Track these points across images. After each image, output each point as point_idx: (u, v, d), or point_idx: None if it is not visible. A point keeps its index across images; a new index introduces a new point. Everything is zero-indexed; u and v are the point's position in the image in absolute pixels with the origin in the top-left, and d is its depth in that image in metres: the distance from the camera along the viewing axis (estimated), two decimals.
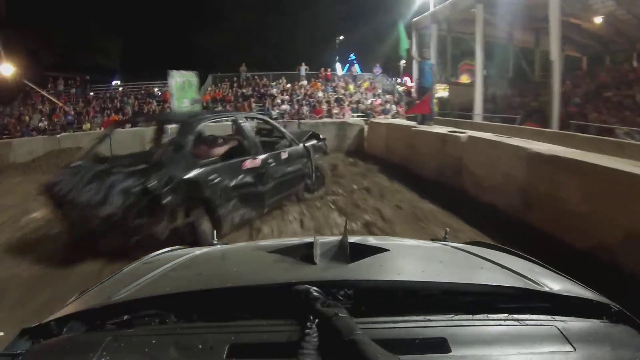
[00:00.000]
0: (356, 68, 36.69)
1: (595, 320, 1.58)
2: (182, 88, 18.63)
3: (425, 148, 13.13)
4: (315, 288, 1.57)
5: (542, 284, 1.77)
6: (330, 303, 1.50)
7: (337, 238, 2.17)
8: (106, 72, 34.57)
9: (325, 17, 37.80)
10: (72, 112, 27.65)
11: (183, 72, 18.23)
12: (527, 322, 1.51)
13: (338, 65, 37.05)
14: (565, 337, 1.41)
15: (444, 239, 2.93)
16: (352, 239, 2.13)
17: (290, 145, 9.38)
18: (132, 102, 29.05)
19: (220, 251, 2.58)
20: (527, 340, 1.41)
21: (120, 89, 31.67)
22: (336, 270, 1.80)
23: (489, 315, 1.55)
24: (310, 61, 32.48)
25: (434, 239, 3.05)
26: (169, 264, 2.18)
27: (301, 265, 1.87)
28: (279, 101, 28.36)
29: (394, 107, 27.07)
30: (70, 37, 34.63)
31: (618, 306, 1.67)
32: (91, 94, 30.88)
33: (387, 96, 29.04)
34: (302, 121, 21.88)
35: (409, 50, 26.86)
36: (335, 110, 26.27)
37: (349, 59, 39.81)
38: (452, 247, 2.46)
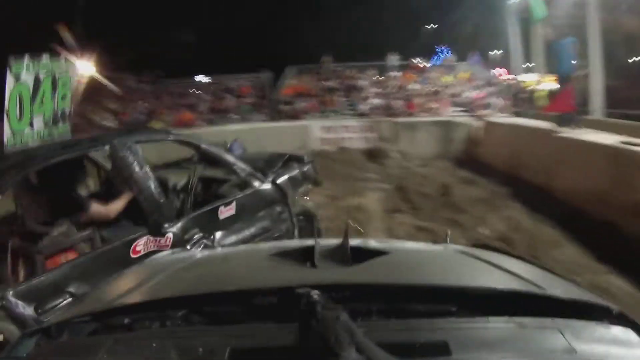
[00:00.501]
0: (450, 57, 32.39)
1: (597, 323, 1.53)
2: (31, 94, 5.59)
3: (583, 167, 9.28)
4: (315, 291, 1.41)
5: (544, 287, 1.73)
6: (331, 306, 1.34)
7: (338, 241, 2.12)
8: (181, 67, 32.25)
9: (413, 2, 33.92)
10: (143, 110, 25.94)
11: (44, 60, 5.43)
12: (529, 325, 1.47)
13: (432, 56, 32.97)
14: (566, 340, 1.37)
15: (445, 242, 2.79)
16: (353, 242, 2.10)
17: (245, 187, 6.04)
18: (208, 98, 26.77)
19: (221, 254, 2.59)
20: (528, 343, 1.39)
21: (196, 84, 29.77)
22: (337, 273, 1.83)
23: (490, 318, 1.51)
24: (401, 50, 28.58)
25: (435, 242, 2.98)
26: (169, 267, 2.15)
27: (302, 268, 1.89)
28: (368, 94, 24.97)
29: (498, 100, 22.77)
30: (146, 32, 32.98)
31: (619, 309, 1.61)
32: (164, 90, 28.82)
33: (490, 88, 24.77)
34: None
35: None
36: (431, 105, 22.57)
37: (439, 49, 35.69)
38: (453, 250, 2.43)
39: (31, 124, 5.12)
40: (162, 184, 5.36)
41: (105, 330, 1.59)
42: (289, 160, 7.15)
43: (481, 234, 8.05)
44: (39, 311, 3.76)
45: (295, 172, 6.94)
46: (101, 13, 29.92)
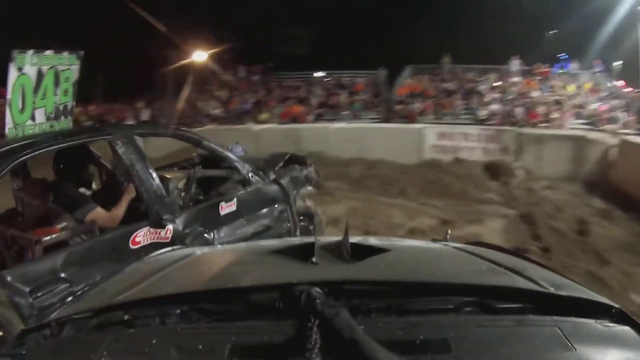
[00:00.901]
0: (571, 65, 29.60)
1: (596, 321, 1.48)
2: (34, 86, 5.70)
3: None
4: (315, 288, 1.48)
5: (543, 285, 1.69)
6: (331, 303, 1.41)
7: (338, 238, 2.12)
8: (294, 60, 31.47)
9: (537, 6, 31.72)
10: (251, 100, 25.42)
11: (48, 53, 5.46)
12: (528, 322, 1.45)
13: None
14: (565, 338, 1.34)
15: (445, 240, 2.84)
16: (353, 239, 2.07)
17: (246, 184, 5.94)
18: (319, 92, 25.67)
19: (221, 251, 2.59)
20: (527, 340, 1.37)
21: (310, 79, 28.49)
22: (337, 270, 1.81)
23: (489, 315, 1.51)
24: (521, 55, 26.28)
25: (435, 240, 2.91)
26: (169, 264, 2.14)
27: (302, 266, 1.85)
28: (487, 99, 22.84)
29: (624, 115, 19.99)
30: (260, 23, 32.74)
31: (618, 307, 1.58)
32: (275, 83, 28.11)
33: (615, 101, 21.93)
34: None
35: None
36: (553, 115, 20.04)
37: (562, 56, 32.83)
38: (453, 247, 2.39)
39: (33, 117, 5.10)
40: (164, 180, 5.26)
41: (106, 327, 1.52)
42: (290, 160, 7.10)
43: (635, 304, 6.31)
44: (34, 295, 3.81)
45: (296, 172, 6.89)
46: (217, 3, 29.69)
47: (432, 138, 16.33)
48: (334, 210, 11.26)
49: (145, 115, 24.73)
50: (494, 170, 14.72)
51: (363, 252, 1.90)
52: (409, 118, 21.51)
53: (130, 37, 28.67)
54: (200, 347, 1.32)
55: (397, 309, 1.53)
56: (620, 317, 1.54)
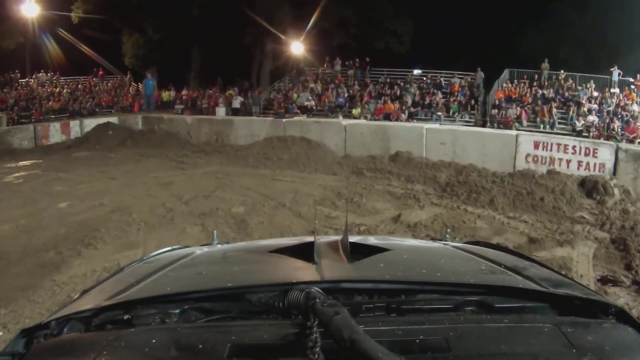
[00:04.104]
0: None
1: (595, 320, 1.48)
2: None
3: None
4: (315, 288, 1.48)
5: (542, 284, 1.70)
6: (331, 302, 1.38)
7: (338, 238, 2.18)
8: (391, 56, 31.42)
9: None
10: (344, 94, 25.01)
11: None
12: (527, 321, 1.43)
13: None
14: (565, 337, 1.33)
15: (444, 239, 2.90)
16: (352, 238, 2.11)
17: None
18: (414, 91, 25.01)
19: (221, 251, 2.52)
20: (527, 339, 1.34)
21: (405, 77, 27.56)
22: (336, 269, 1.80)
23: (488, 314, 1.51)
24: (623, 65, 24.78)
25: (434, 239, 3.13)
26: (169, 263, 2.11)
27: (301, 265, 1.85)
28: (585, 109, 21.69)
29: None
30: (361, 18, 31.63)
31: (618, 306, 1.57)
32: (371, 78, 27.56)
33: None
34: None
35: None
36: None
37: None
38: (452, 247, 2.41)
39: None
40: None
41: (105, 326, 1.51)
42: None
43: None
44: None
45: None
46: None
47: (527, 146, 15.05)
48: (416, 216, 10.93)
49: (237, 102, 24.87)
50: (589, 186, 13.37)
51: (363, 251, 1.92)
52: (504, 123, 20.91)
53: (228, 24, 28.83)
54: (200, 346, 1.30)
55: (396, 309, 1.53)
56: (620, 316, 1.53)
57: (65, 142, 22.15)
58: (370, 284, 1.65)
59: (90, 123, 23.16)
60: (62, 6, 29.06)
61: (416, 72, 28.18)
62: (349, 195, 12.45)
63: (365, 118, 21.61)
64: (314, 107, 24.01)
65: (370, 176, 14.73)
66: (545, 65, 25.71)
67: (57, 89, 29.75)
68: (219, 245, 2.71)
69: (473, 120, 22.56)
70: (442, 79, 26.54)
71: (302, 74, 28.32)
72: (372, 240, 2.40)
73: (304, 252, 1.93)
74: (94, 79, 31.76)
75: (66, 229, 9.66)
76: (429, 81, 26.61)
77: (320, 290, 1.47)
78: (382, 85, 26.19)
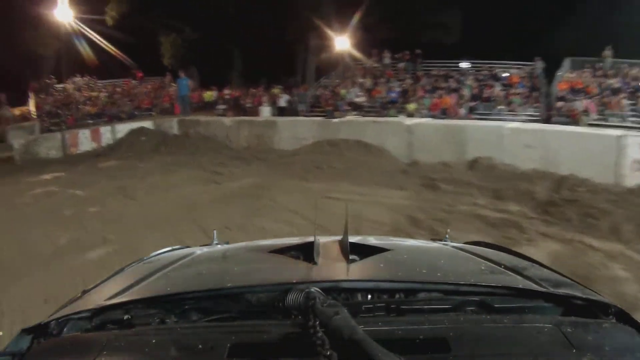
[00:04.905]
0: None
1: (595, 320, 1.41)
2: None
3: None
4: (315, 288, 1.41)
5: (542, 284, 1.62)
6: (331, 303, 1.32)
7: (338, 238, 2.10)
8: (442, 48, 27.84)
9: None
10: (398, 89, 21.84)
11: None
12: (527, 322, 1.36)
13: None
14: (565, 337, 1.27)
15: (445, 239, 2.76)
16: (352, 238, 2.02)
17: None
18: (471, 83, 21.57)
19: (221, 251, 2.39)
20: (527, 340, 1.28)
21: (458, 68, 24.49)
22: (336, 270, 1.72)
23: (489, 315, 1.44)
24: None
25: (435, 239, 2.84)
26: (169, 263, 2.02)
27: (301, 265, 1.76)
28: None
29: None
30: (407, 8, 28.22)
31: (618, 306, 1.50)
32: (423, 72, 24.12)
33: None
34: None
35: None
36: None
37: None
38: (452, 247, 2.28)
39: None
40: None
41: (105, 326, 1.46)
42: None
43: None
44: None
45: None
46: None
47: (636, 150, 11.14)
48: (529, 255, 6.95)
49: (283, 101, 22.02)
50: None
51: (363, 251, 1.86)
52: (571, 117, 17.82)
53: (268, 20, 26.44)
54: (200, 346, 1.24)
55: (396, 309, 1.47)
56: (620, 316, 1.45)
57: (95, 151, 19.63)
58: (370, 284, 1.57)
59: (123, 128, 20.55)
60: (95, 9, 26.75)
61: (465, 64, 24.74)
62: (427, 222, 8.74)
63: (421, 114, 18.36)
64: (365, 104, 20.93)
65: (447, 190, 10.86)
66: (608, 52, 22.05)
67: (95, 93, 27.51)
68: (219, 246, 2.53)
69: (538, 114, 19.15)
70: (498, 70, 23.08)
71: (349, 68, 25.23)
72: (372, 240, 2.19)
73: (304, 252, 1.87)
74: (133, 81, 29.32)
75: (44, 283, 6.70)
76: (485, 73, 23.08)
77: (320, 290, 1.38)
78: (435, 78, 22.81)
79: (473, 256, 1.98)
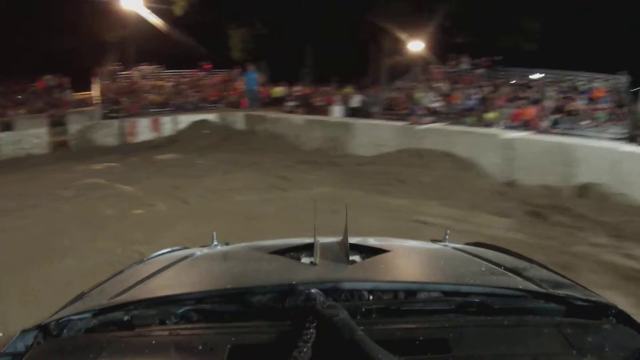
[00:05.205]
0: None
1: (595, 322, 1.41)
2: None
3: None
4: (315, 289, 1.40)
5: (542, 285, 1.61)
6: (331, 304, 1.31)
7: (338, 239, 2.05)
8: (521, 55, 26.12)
9: None
10: (475, 96, 20.19)
11: None
12: (527, 323, 1.36)
13: None
14: (565, 338, 1.27)
15: (444, 240, 2.66)
16: (352, 239, 1.98)
17: None
18: (553, 95, 19.67)
19: (221, 252, 2.36)
20: (527, 341, 1.28)
21: (538, 77, 22.50)
22: (336, 271, 1.68)
23: (488, 316, 1.42)
24: None
25: (434, 240, 2.71)
26: (169, 264, 2.00)
27: (301, 266, 1.77)
28: None
29: None
30: (485, 12, 26.62)
31: (617, 307, 1.49)
32: (503, 79, 22.44)
33: None
34: None
35: None
36: None
37: None
38: (452, 248, 2.25)
39: None
40: None
41: (105, 327, 1.45)
42: None
43: None
44: None
45: None
46: None
47: None
48: None
49: (355, 101, 20.76)
50: None
51: (363, 252, 1.87)
52: None
53: (341, 19, 25.31)
54: (200, 347, 1.24)
55: (396, 310, 1.45)
56: (620, 317, 1.44)
57: (153, 141, 18.96)
58: (370, 285, 1.55)
59: (185, 120, 19.96)
60: None
61: (540, 75, 22.95)
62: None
63: (500, 124, 16.79)
64: (442, 110, 19.48)
65: (557, 222, 9.22)
66: None
67: (160, 82, 26.90)
68: (219, 247, 2.47)
69: (625, 132, 17.28)
70: (579, 83, 20.91)
71: (424, 72, 23.86)
72: (372, 241, 2.10)
73: (304, 253, 1.88)
74: (200, 73, 28.57)
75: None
76: (567, 84, 21.08)
77: (320, 292, 1.37)
78: (515, 86, 21.17)
79: (473, 257, 1.95)
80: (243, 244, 2.44)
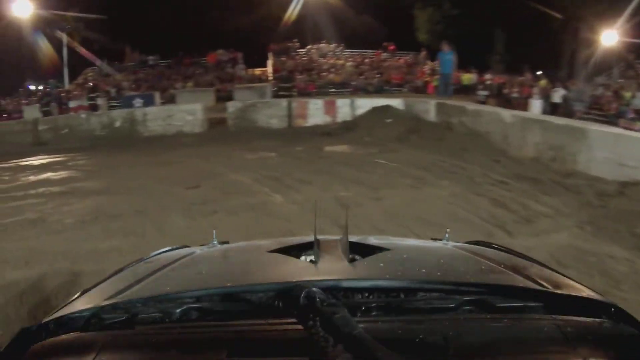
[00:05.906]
0: None
1: (595, 320, 1.40)
2: None
3: None
4: (315, 287, 1.35)
5: (542, 284, 1.58)
6: (331, 302, 1.28)
7: (338, 237, 2.03)
8: None
9: None
10: None
11: None
12: (527, 321, 1.36)
13: None
14: (565, 337, 1.26)
15: (445, 239, 2.50)
16: (352, 238, 1.97)
17: None
18: None
19: (221, 250, 2.33)
20: (527, 339, 1.27)
21: None
22: (336, 269, 1.67)
23: (489, 314, 1.40)
24: None
25: (435, 239, 2.61)
26: (169, 263, 1.98)
27: (301, 265, 1.76)
28: None
29: None
30: None
31: (618, 306, 1.46)
32: None
33: None
34: None
35: None
36: None
37: None
38: (452, 246, 2.20)
39: None
40: None
41: (105, 326, 1.42)
42: None
43: None
44: None
45: None
46: None
47: None
48: None
49: (557, 96, 18.70)
50: None
51: (363, 251, 1.83)
52: None
53: (533, 3, 23.33)
54: (200, 345, 1.25)
55: (396, 308, 1.43)
56: (620, 315, 1.42)
57: (327, 126, 16.48)
58: (370, 283, 1.52)
59: (365, 104, 17.00)
60: None
61: None
62: None
63: None
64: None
65: None
66: None
67: (340, 61, 26.39)
68: (219, 245, 2.38)
69: None
70: None
71: (631, 67, 21.79)
72: (372, 239, 2.11)
73: (305, 251, 1.88)
74: (384, 54, 27.80)
75: None
76: None
77: (319, 290, 1.32)
78: None
79: (473, 255, 1.94)
80: (243, 243, 2.49)
